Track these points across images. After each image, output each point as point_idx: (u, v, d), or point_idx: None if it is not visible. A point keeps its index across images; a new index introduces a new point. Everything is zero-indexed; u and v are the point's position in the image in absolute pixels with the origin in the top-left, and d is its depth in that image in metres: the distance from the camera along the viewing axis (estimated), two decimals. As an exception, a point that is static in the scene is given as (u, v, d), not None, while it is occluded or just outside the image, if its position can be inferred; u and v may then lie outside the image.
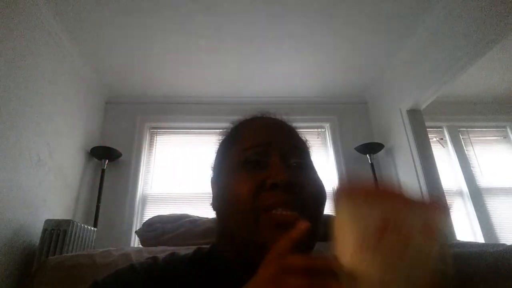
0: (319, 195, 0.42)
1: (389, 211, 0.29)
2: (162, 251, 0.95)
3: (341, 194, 0.30)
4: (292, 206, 0.38)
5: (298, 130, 0.53)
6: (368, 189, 0.30)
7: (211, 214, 0.51)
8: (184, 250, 0.53)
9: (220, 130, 0.57)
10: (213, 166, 0.53)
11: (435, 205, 0.30)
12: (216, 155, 0.53)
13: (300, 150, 0.46)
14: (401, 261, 0.28)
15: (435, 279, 0.28)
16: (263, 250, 0.38)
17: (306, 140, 0.53)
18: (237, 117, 0.55)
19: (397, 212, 0.29)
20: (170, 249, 0.98)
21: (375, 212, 0.29)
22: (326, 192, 0.44)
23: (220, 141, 0.54)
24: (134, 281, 0.41)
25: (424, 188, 2.18)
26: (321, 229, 0.42)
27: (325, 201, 0.44)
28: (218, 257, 0.45)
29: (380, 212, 0.29)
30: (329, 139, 2.88)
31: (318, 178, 0.45)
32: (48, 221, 1.66)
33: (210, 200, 0.51)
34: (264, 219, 0.38)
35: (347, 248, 0.29)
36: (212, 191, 0.50)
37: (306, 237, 0.37)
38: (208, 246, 0.50)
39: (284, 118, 0.53)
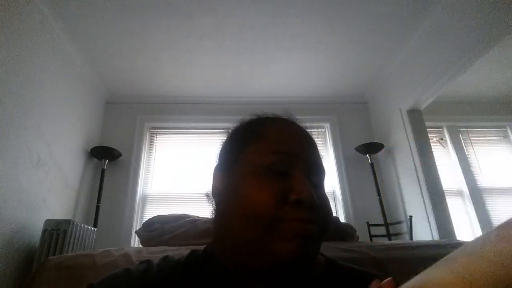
0: (330, 216, 0.43)
1: None
2: (162, 251, 0.95)
3: None
4: (312, 223, 0.38)
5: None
6: None
7: (211, 214, 0.48)
8: (181, 251, 0.53)
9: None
10: (221, 154, 0.49)
11: None
12: (228, 145, 0.49)
13: (321, 168, 0.45)
14: None
15: None
16: (270, 259, 0.37)
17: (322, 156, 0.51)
18: (250, 114, 0.50)
19: None
20: (170, 249, 0.98)
21: None
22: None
23: (234, 131, 0.49)
24: (130, 285, 0.41)
25: (424, 188, 2.18)
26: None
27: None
28: (214, 261, 0.44)
29: None
30: (329, 139, 2.88)
31: (327, 198, 0.44)
32: (48, 221, 1.66)
33: (209, 189, 0.47)
34: (281, 227, 0.37)
35: None
36: (214, 180, 0.47)
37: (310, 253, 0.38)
38: (202, 247, 0.49)
39: (304, 125, 0.50)
